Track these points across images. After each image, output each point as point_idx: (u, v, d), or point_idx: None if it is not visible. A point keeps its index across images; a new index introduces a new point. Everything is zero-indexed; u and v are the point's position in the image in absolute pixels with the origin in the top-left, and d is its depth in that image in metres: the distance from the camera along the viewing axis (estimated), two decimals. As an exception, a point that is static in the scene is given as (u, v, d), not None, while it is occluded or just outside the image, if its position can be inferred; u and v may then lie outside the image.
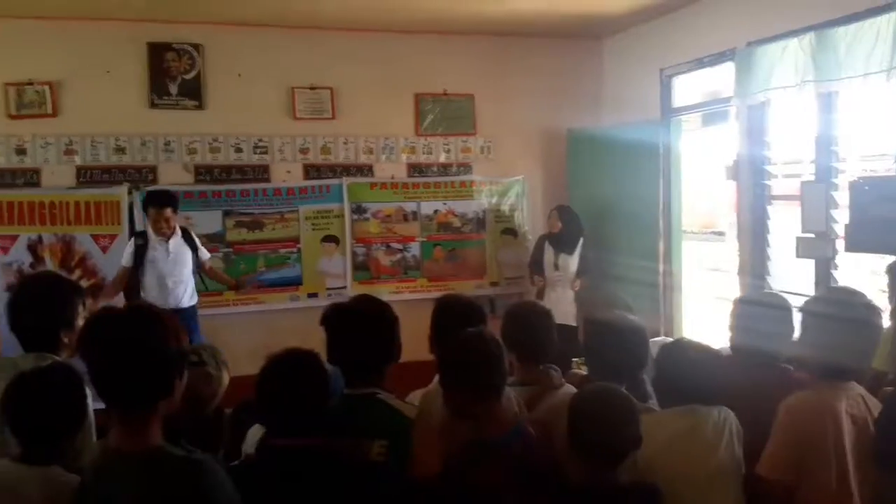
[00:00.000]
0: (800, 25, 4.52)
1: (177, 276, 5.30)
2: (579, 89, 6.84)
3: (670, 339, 2.84)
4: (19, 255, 5.66)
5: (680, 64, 5.87)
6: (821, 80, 4.34)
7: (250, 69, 6.13)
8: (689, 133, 6.23)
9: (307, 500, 2.08)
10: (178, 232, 5.32)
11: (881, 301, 2.99)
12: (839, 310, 2.42)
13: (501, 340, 2.45)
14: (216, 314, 6.01)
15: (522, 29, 6.43)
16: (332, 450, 2.13)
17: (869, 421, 2.35)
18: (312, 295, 6.34)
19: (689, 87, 6.02)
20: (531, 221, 6.80)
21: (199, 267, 5.48)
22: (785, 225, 4.96)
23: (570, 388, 2.68)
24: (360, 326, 2.41)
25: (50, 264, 5.68)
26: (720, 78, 5.49)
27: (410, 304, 5.47)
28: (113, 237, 5.91)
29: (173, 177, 6.08)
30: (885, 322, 2.79)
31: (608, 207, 6.36)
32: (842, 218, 4.34)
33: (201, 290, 5.63)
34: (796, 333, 2.64)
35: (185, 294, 5.37)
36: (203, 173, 6.16)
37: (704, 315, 6.20)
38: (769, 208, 5.12)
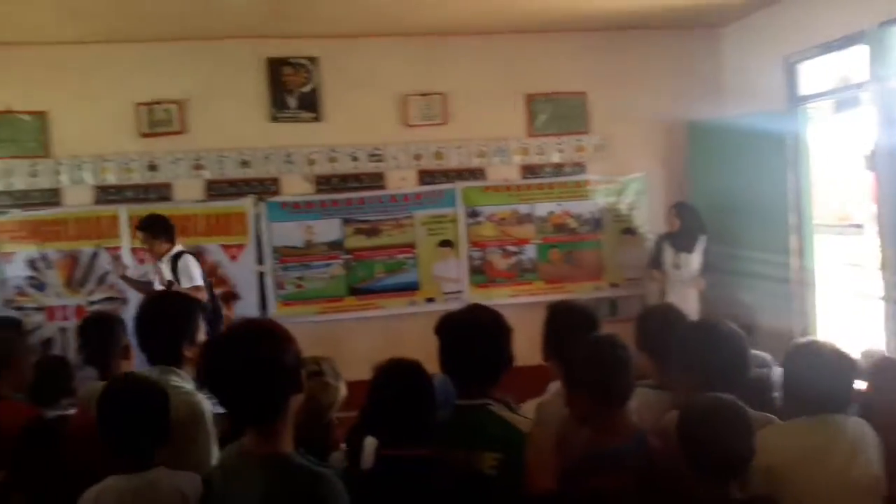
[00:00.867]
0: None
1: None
2: (699, 81, 6.59)
3: (800, 341, 2.65)
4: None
5: (805, 49, 5.58)
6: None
7: (363, 79, 6.25)
8: (819, 121, 5.91)
9: (420, 511, 2.09)
10: (169, 255, 5.21)
11: None
12: None
13: (637, 343, 2.38)
14: (336, 320, 6.18)
15: (635, 22, 6.26)
16: (445, 461, 2.13)
17: None
18: (430, 300, 6.40)
19: (816, 74, 5.71)
20: (652, 220, 6.60)
21: (168, 287, 5.06)
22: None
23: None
24: (473, 337, 2.39)
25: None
26: (851, 62, 5.17)
27: (527, 307, 5.43)
28: (241, 247, 6.18)
29: (295, 187, 6.29)
30: None
31: (733, 202, 6.10)
32: None
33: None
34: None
35: None
36: (322, 183, 6.33)
37: (842, 314, 5.85)
38: (912, 199, 4.78)
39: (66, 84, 5.96)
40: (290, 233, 6.24)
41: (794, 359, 2.41)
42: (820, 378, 2.29)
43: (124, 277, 5.56)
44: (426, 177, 6.44)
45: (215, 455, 2.30)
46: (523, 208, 6.54)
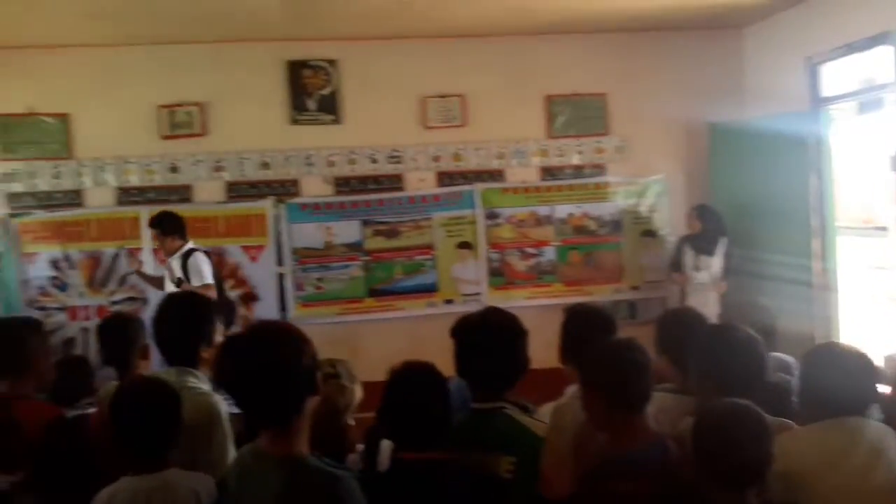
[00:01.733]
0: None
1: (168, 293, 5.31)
2: (720, 82, 6.54)
3: (818, 343, 2.62)
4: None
5: (828, 50, 5.53)
6: None
7: (382, 81, 6.27)
8: (842, 123, 5.84)
9: (435, 514, 2.08)
10: (180, 252, 5.20)
11: None
12: None
13: (657, 347, 2.37)
14: (355, 321, 6.21)
15: (655, 23, 6.23)
16: (461, 464, 2.12)
17: None
18: (448, 301, 6.40)
19: (839, 75, 5.66)
20: (672, 222, 6.55)
21: (178, 285, 5.12)
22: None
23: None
24: (489, 340, 2.39)
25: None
26: (875, 63, 5.11)
27: (546, 309, 5.39)
28: (261, 248, 6.22)
29: (315, 189, 6.33)
30: None
31: (755, 204, 6.05)
32: None
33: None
34: None
35: None
36: (342, 184, 6.36)
37: (866, 318, 5.77)
38: (936, 201, 4.71)
39: (89, 86, 6.04)
40: (310, 234, 6.27)
41: (812, 361, 2.38)
42: (839, 381, 2.25)
43: (138, 272, 5.61)
44: (445, 178, 6.45)
45: (231, 455, 2.31)
46: (542, 210, 6.52)
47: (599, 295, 6.24)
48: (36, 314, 5.71)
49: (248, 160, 6.26)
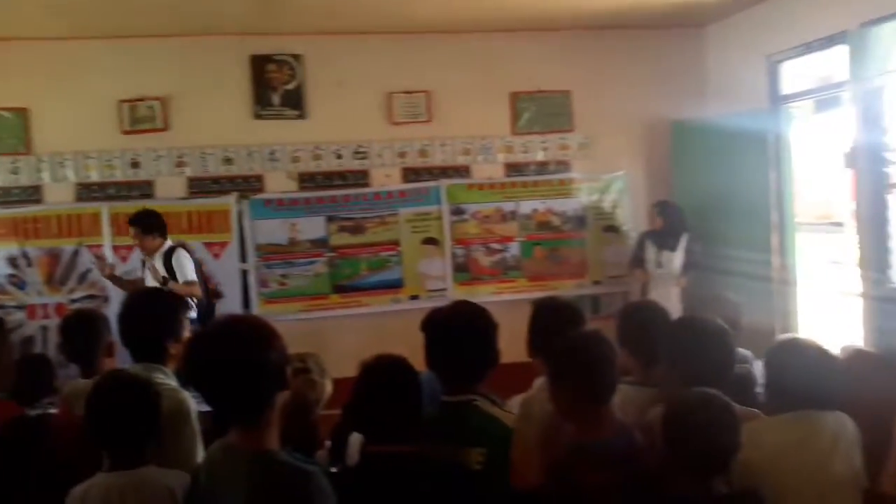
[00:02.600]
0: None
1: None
2: (682, 80, 6.62)
3: (782, 338, 2.68)
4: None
5: (787, 49, 5.62)
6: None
7: (348, 77, 6.24)
8: (800, 120, 5.96)
9: (406, 507, 2.09)
10: (161, 251, 5.18)
11: None
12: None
13: (618, 340, 2.40)
14: (320, 317, 6.18)
15: (620, 21, 6.29)
16: (431, 457, 2.13)
17: None
18: (414, 297, 6.39)
19: (798, 73, 5.76)
20: (634, 218, 6.63)
21: (164, 283, 5.02)
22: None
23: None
24: (459, 333, 2.40)
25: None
26: (832, 62, 5.22)
27: (511, 304, 5.43)
28: (224, 244, 6.15)
29: (279, 185, 6.27)
30: None
31: (716, 201, 6.14)
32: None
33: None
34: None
35: None
36: (307, 180, 6.32)
37: (823, 311, 5.90)
38: (889, 197, 4.83)
39: (48, 80, 5.91)
40: (274, 230, 6.22)
41: (777, 356, 2.44)
42: (802, 375, 2.31)
43: (111, 276, 5.49)
44: (411, 174, 6.44)
45: (200, 453, 2.29)
46: (507, 206, 6.55)
47: (563, 290, 6.28)
48: (-6, 313, 5.59)
49: (211, 155, 6.19)
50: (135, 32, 5.82)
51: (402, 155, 6.41)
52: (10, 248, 5.89)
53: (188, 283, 5.03)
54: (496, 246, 6.57)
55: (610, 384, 2.24)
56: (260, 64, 6.19)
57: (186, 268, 5.13)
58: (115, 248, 5.90)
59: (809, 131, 6.15)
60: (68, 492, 2.11)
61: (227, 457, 1.88)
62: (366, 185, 6.38)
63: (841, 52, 4.97)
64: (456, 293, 6.29)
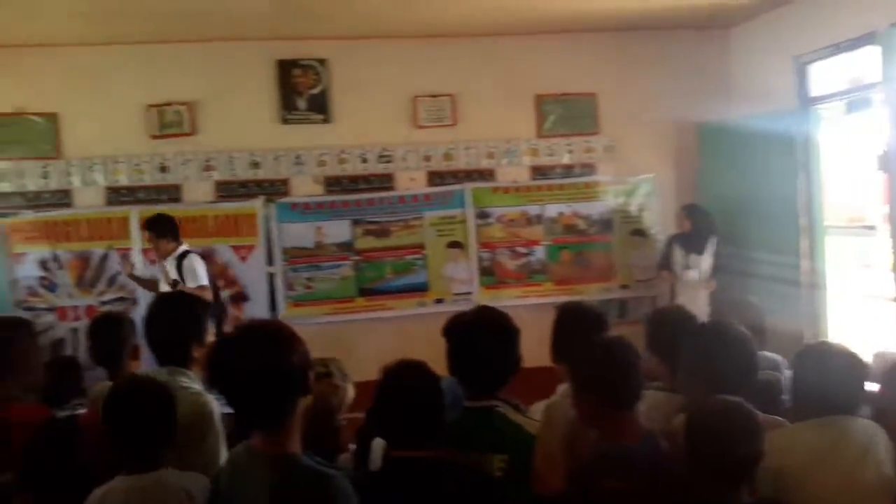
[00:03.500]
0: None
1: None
2: (709, 82, 6.57)
3: (809, 343, 2.64)
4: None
5: (815, 50, 5.57)
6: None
7: (373, 81, 6.26)
8: (830, 122, 5.88)
9: (428, 512, 2.08)
10: (175, 255, 5.24)
11: None
12: None
13: (647, 345, 2.37)
14: (346, 321, 6.20)
15: (645, 23, 6.25)
16: (453, 462, 2.12)
17: None
18: (439, 301, 6.39)
19: (827, 74, 5.69)
20: (662, 221, 6.57)
21: (174, 286, 5.12)
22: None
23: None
24: (481, 339, 2.39)
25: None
26: (863, 63, 5.15)
27: (537, 308, 5.43)
28: (251, 248, 6.20)
29: (305, 189, 6.31)
30: None
31: (744, 204, 6.09)
32: None
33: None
34: None
35: None
36: (332, 184, 6.35)
37: (854, 316, 5.81)
38: (924, 200, 4.75)
39: (78, 86, 6.00)
40: (300, 234, 6.25)
41: (804, 361, 2.40)
42: (829, 380, 2.27)
43: (132, 275, 5.59)
44: (435, 178, 6.45)
45: (224, 455, 2.30)
46: (533, 209, 6.53)
47: (589, 294, 6.24)
48: (25, 315, 5.67)
49: (238, 159, 6.24)
50: (162, 38, 5.88)
51: (426, 158, 6.42)
52: (42, 251, 5.96)
53: (200, 288, 5.08)
54: (522, 249, 6.55)
55: (634, 391, 2.22)
56: (286, 69, 6.23)
57: (198, 272, 5.19)
58: (145, 252, 5.95)
59: (840, 133, 6.06)
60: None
61: (249, 460, 1.89)
62: (391, 188, 6.39)
63: (872, 52, 4.91)
64: (481, 297, 6.27)
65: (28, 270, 5.96)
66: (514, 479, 2.19)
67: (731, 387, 2.20)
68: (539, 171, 6.57)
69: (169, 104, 6.10)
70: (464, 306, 4.66)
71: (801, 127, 5.71)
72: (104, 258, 6.03)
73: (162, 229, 5.25)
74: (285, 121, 6.26)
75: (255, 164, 6.26)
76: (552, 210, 6.55)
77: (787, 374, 2.85)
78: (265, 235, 6.21)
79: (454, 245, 6.46)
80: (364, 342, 5.89)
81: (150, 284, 5.46)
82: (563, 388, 2.56)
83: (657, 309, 4.02)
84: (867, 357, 2.50)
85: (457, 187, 6.43)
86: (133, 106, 6.06)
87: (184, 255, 5.24)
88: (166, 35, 5.84)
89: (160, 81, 6.05)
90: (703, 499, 2.03)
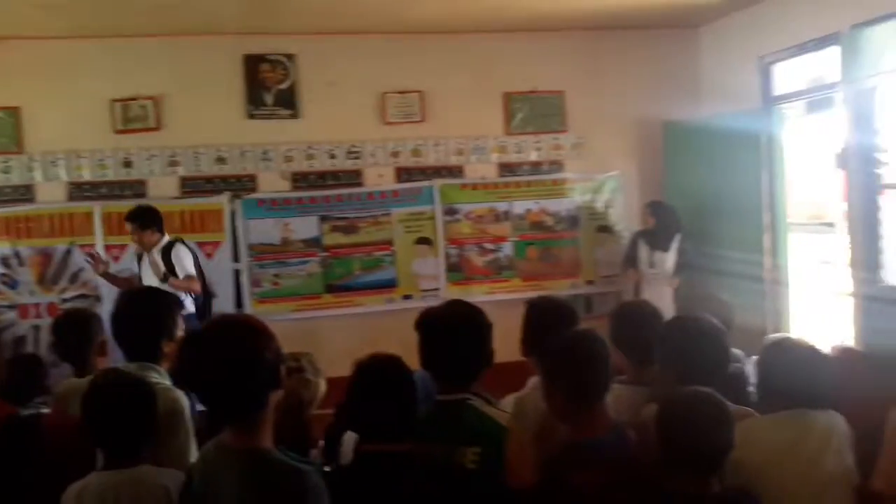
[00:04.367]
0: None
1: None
2: (675, 80, 6.65)
3: (774, 337, 2.69)
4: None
5: (780, 50, 5.66)
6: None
7: (341, 76, 6.24)
8: (792, 121, 5.98)
9: (400, 506, 2.09)
10: (160, 246, 5.18)
11: None
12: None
13: (611, 340, 2.40)
14: (314, 317, 6.18)
15: (614, 22, 6.31)
16: (425, 456, 2.13)
17: None
18: (407, 297, 6.40)
19: (790, 74, 5.79)
20: (627, 218, 6.65)
21: (164, 279, 5.06)
22: (899, 215, 4.69)
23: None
24: (453, 332, 2.39)
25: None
26: (824, 63, 5.25)
27: (504, 304, 5.42)
28: (216, 244, 6.15)
29: (271, 184, 6.27)
30: None
31: (708, 201, 6.16)
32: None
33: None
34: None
35: None
36: (300, 180, 6.31)
37: (815, 311, 5.92)
38: (880, 198, 4.86)
39: (40, 79, 5.89)
40: (267, 230, 6.22)
41: (769, 355, 2.45)
42: (794, 374, 2.33)
43: (106, 274, 5.47)
44: (404, 174, 6.44)
45: (194, 451, 2.29)
46: (501, 206, 6.56)
47: (556, 289, 6.26)
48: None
49: (204, 155, 6.18)
50: (128, 32, 5.80)
51: (395, 155, 6.42)
52: (2, 247, 5.86)
53: (188, 278, 5.05)
54: (489, 246, 6.58)
55: (603, 383, 2.24)
56: (253, 63, 6.18)
57: (186, 262, 5.13)
58: (108, 248, 5.88)
59: (801, 132, 6.17)
60: (62, 491, 2.11)
61: (220, 456, 1.88)
62: (359, 184, 6.38)
63: (833, 53, 5.00)
64: (449, 293, 6.29)
65: (-12, 267, 5.85)
66: (487, 472, 2.19)
67: (703, 379, 2.24)
68: (507, 168, 6.60)
69: (134, 98, 6.02)
70: (432, 302, 4.62)
71: (764, 126, 5.78)
72: (67, 254, 5.94)
73: (146, 220, 5.15)
74: (252, 116, 6.21)
75: (222, 160, 6.20)
76: (520, 207, 6.58)
77: (750, 367, 2.90)
78: (231, 231, 6.16)
79: (422, 241, 6.47)
80: (332, 339, 5.89)
81: (123, 283, 5.34)
82: (533, 381, 2.58)
83: (621, 303, 4.06)
84: (825, 350, 2.56)
85: (425, 184, 6.43)
86: (97, 100, 5.96)
87: (170, 245, 5.16)
88: (132, 28, 5.76)
89: (125, 75, 5.96)
90: (674, 489, 2.06)
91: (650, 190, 6.52)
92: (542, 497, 2.17)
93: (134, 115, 6.03)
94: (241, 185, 6.22)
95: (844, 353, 4.36)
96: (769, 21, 5.78)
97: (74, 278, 5.97)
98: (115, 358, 2.76)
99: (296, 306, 6.25)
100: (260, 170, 6.25)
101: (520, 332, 2.77)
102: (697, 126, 6.31)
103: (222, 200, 6.15)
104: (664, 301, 5.71)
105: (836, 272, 5.58)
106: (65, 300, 5.93)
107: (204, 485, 1.91)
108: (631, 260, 6.15)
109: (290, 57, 6.22)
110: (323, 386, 2.78)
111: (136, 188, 6.10)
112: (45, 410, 2.90)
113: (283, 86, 6.22)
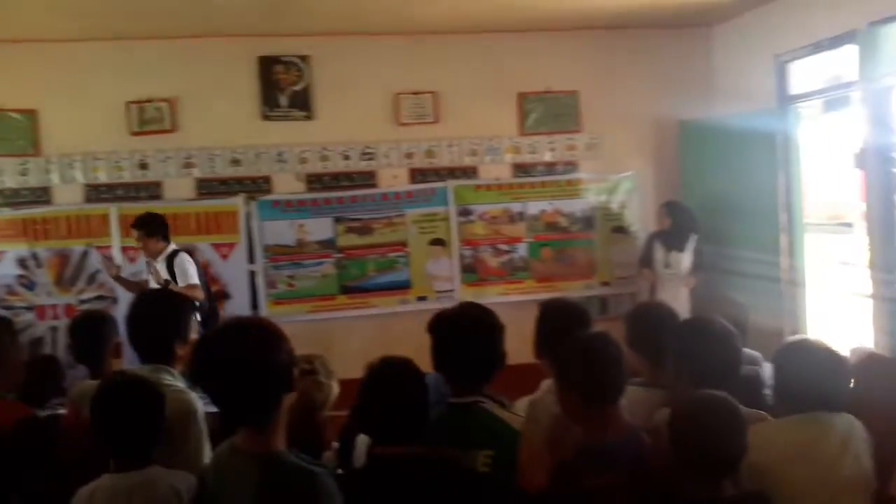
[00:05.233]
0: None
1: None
2: (690, 80, 6.61)
3: (791, 339, 2.66)
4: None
5: (796, 49, 5.61)
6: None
7: (355, 77, 6.25)
8: (809, 120, 5.94)
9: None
10: (165, 254, 5.22)
11: None
12: None
13: (627, 341, 2.38)
14: (328, 318, 6.20)
15: (628, 21, 6.28)
16: (438, 458, 2.13)
17: None
18: (421, 298, 6.40)
19: (807, 73, 5.73)
20: (643, 218, 6.61)
21: (165, 286, 5.05)
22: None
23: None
24: (466, 334, 2.39)
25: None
26: (841, 61, 5.20)
27: (518, 305, 5.43)
28: (232, 245, 6.17)
29: (286, 186, 6.29)
30: None
31: (724, 201, 6.13)
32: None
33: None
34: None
35: None
36: (314, 181, 6.33)
37: (832, 312, 5.87)
38: (900, 197, 4.81)
39: (57, 82, 5.94)
40: (282, 231, 6.24)
41: (785, 357, 2.42)
42: (810, 376, 2.30)
43: (117, 278, 5.53)
44: (418, 175, 6.44)
45: (207, 453, 2.29)
46: (515, 207, 6.55)
47: (571, 291, 6.24)
48: (3, 313, 5.61)
49: (219, 157, 6.21)
50: (142, 34, 5.84)
51: (409, 156, 6.42)
52: (20, 249, 5.92)
53: (190, 287, 5.06)
54: (504, 247, 6.56)
55: (617, 386, 2.23)
56: (267, 65, 6.20)
57: (188, 271, 5.16)
58: (124, 250, 5.93)
59: (818, 131, 6.12)
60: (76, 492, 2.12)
61: (234, 458, 1.88)
62: (373, 185, 6.38)
63: (850, 51, 4.95)
64: (463, 294, 6.28)
65: (6, 269, 5.91)
66: (499, 475, 2.19)
67: (715, 381, 2.22)
68: (521, 169, 6.59)
69: (149, 101, 6.05)
70: (446, 304, 4.62)
71: (780, 125, 5.75)
72: (84, 256, 5.98)
73: (151, 228, 5.20)
74: (267, 117, 6.24)
75: (237, 162, 6.22)
76: (534, 207, 6.57)
77: (766, 368, 2.88)
78: (246, 233, 6.18)
79: (436, 242, 6.47)
80: (346, 340, 5.91)
81: (134, 287, 5.38)
82: (546, 383, 2.57)
83: (637, 305, 4.05)
84: (844, 352, 2.53)
85: (439, 184, 6.43)
86: (113, 102, 6.01)
87: (174, 254, 5.21)
88: (147, 31, 5.79)
89: (141, 78, 6.00)
90: (687, 493, 2.04)
91: (666, 190, 6.49)
92: (554, 501, 2.16)
93: (149, 118, 6.07)
94: (256, 186, 6.24)
95: (866, 358, 4.30)
96: (784, 19, 5.73)
97: (92, 280, 6.02)
98: (130, 360, 2.77)
99: (311, 307, 6.26)
100: (275, 171, 6.27)
101: (533, 334, 2.76)
102: (713, 125, 6.28)
103: (237, 202, 6.17)
104: (680, 302, 5.69)
105: (855, 273, 5.53)
106: (82, 301, 5.98)
107: (217, 487, 1.91)
108: (646, 261, 6.12)
109: (304, 58, 6.24)
110: (335, 388, 2.78)
111: (152, 190, 6.14)
112: (62, 412, 2.93)
113: (298, 87, 6.24)
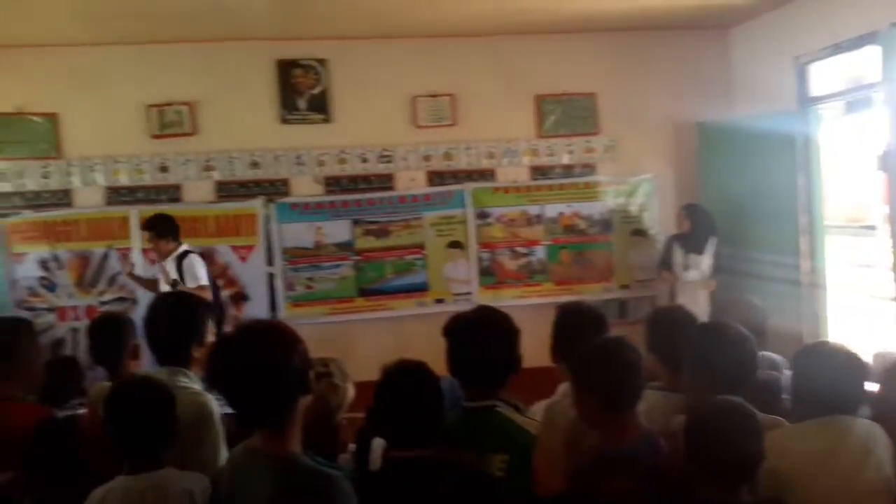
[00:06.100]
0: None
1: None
2: (708, 82, 6.58)
3: (809, 343, 2.63)
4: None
5: (816, 50, 5.56)
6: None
7: (372, 80, 6.27)
8: (830, 122, 5.88)
9: (428, 512, 2.08)
10: (175, 255, 5.26)
11: None
12: None
13: (647, 345, 2.37)
14: (346, 321, 6.20)
15: (645, 23, 6.25)
16: (453, 462, 2.12)
17: None
18: (439, 301, 6.40)
19: (827, 74, 5.69)
20: (662, 221, 6.58)
21: (174, 286, 5.14)
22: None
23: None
24: (481, 339, 2.38)
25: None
26: (863, 62, 5.14)
27: (536, 308, 5.42)
28: (251, 248, 6.20)
29: (305, 188, 6.32)
30: None
31: (744, 203, 6.08)
32: None
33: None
34: None
35: None
36: (332, 184, 6.35)
37: (854, 316, 5.80)
38: (924, 200, 4.75)
39: (78, 86, 6.00)
40: (300, 234, 6.26)
41: (804, 360, 2.40)
42: (829, 380, 2.27)
43: (131, 275, 5.61)
44: (435, 178, 6.45)
45: (223, 455, 2.30)
46: (533, 209, 6.53)
47: (589, 294, 6.23)
48: (25, 315, 5.67)
49: (238, 160, 6.25)
50: (162, 38, 5.89)
51: (426, 158, 6.42)
52: (42, 251, 5.97)
53: (199, 288, 5.10)
54: (522, 250, 6.55)
55: (634, 391, 2.22)
56: (286, 68, 6.24)
57: (198, 272, 5.21)
58: (145, 252, 5.96)
59: (840, 133, 6.06)
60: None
61: (249, 460, 1.89)
62: (391, 188, 6.40)
63: (872, 52, 4.90)
64: (481, 297, 6.27)
65: (28, 270, 5.97)
66: (515, 480, 2.18)
67: (731, 386, 2.20)
68: (539, 171, 6.57)
69: (169, 104, 6.10)
70: (464, 306, 4.65)
71: (801, 127, 5.71)
72: (104, 258, 6.03)
73: (162, 229, 5.27)
74: (285, 121, 6.27)
75: (255, 164, 6.26)
76: (552, 210, 6.55)
77: (787, 373, 2.84)
78: (265, 235, 6.21)
79: (454, 245, 6.46)
80: (364, 342, 5.92)
81: (150, 284, 5.48)
82: (563, 387, 2.56)
83: (657, 309, 4.01)
84: (867, 357, 2.49)
85: (457, 187, 6.43)
86: (133, 106, 6.06)
87: (184, 255, 5.26)
88: (166, 35, 5.84)
89: (160, 81, 6.05)
90: (704, 499, 2.02)
91: (685, 192, 6.46)
92: (569, 506, 2.15)
93: (169, 121, 6.12)
94: (274, 189, 6.27)
95: (891, 363, 4.25)
96: (804, 20, 5.69)
97: (112, 281, 6.07)
98: (147, 362, 2.79)
99: (329, 310, 6.28)
100: (293, 174, 6.30)
101: (550, 338, 2.75)
102: (732, 127, 6.23)
103: (256, 205, 6.20)
104: (699, 305, 5.66)
105: (877, 276, 5.47)
106: (103, 303, 6.03)
107: (232, 489, 1.92)
108: (666, 263, 6.10)
109: (321, 62, 6.26)
110: (351, 391, 2.78)
111: (172, 192, 6.18)
112: (82, 412, 2.95)
113: (316, 90, 6.27)
